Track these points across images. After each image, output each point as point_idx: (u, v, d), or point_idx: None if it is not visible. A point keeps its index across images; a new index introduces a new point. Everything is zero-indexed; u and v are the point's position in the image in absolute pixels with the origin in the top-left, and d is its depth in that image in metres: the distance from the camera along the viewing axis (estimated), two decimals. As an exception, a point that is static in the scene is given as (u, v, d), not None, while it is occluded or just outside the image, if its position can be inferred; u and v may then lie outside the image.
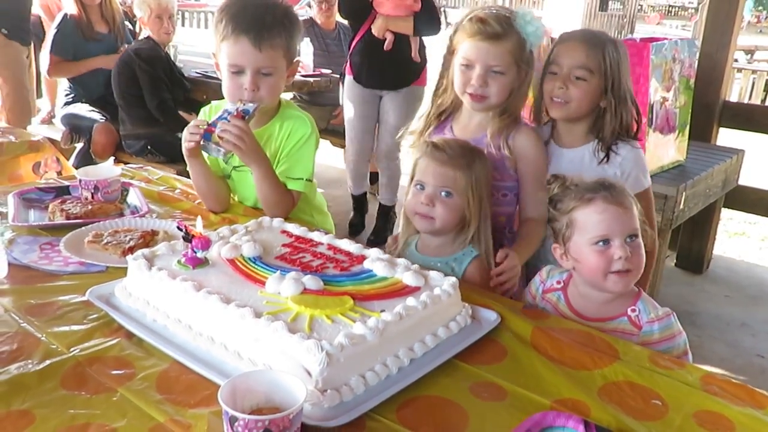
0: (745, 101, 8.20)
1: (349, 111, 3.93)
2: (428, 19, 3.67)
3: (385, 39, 3.61)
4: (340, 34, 4.77)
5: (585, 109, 1.83)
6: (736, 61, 9.27)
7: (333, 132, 4.73)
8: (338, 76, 4.51)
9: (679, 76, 3.08)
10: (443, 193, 1.62)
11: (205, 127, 1.73)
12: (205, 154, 1.81)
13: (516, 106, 1.83)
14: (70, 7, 3.95)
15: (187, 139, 1.75)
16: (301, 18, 5.43)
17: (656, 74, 2.94)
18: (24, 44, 4.21)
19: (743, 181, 3.75)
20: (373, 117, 3.91)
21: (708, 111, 3.67)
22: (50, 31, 4.01)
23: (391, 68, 3.72)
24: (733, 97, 8.16)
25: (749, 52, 11.77)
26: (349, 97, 3.89)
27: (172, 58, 4.18)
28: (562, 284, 1.53)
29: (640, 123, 1.91)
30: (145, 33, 3.85)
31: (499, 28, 1.72)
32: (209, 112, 1.92)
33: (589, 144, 1.86)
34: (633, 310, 1.43)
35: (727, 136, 4.07)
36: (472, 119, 1.85)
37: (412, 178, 1.70)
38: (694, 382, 1.16)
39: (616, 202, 1.42)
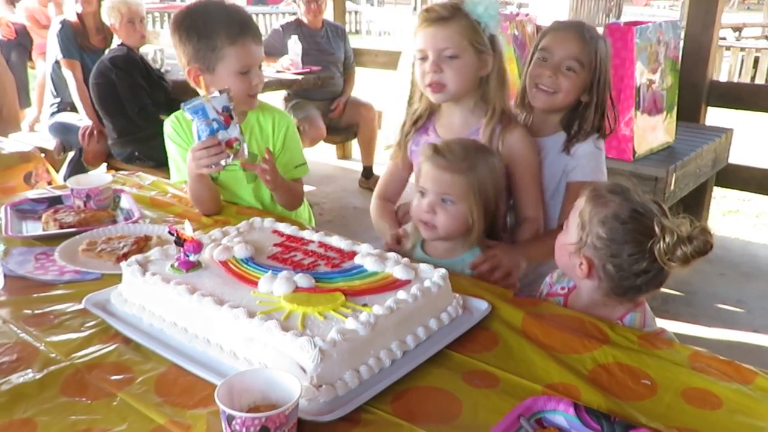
0: (735, 79, 8.19)
1: None
2: None
3: None
4: (328, 32, 4.79)
5: (570, 101, 1.81)
6: (723, 39, 9.27)
7: (330, 129, 4.68)
8: (328, 72, 4.53)
9: (664, 57, 3.10)
10: (444, 200, 1.56)
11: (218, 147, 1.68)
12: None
13: (496, 98, 1.75)
14: (70, 14, 3.96)
15: (204, 164, 1.70)
16: (291, 16, 5.40)
17: (641, 57, 2.95)
18: None
19: (734, 159, 3.77)
20: None
21: (695, 91, 3.70)
22: (51, 39, 3.97)
23: None
24: (723, 76, 8.14)
25: (737, 29, 11.76)
26: None
27: (159, 63, 4.17)
28: (566, 290, 1.51)
29: (615, 124, 1.92)
30: (117, 41, 3.81)
31: (444, 12, 1.68)
32: (176, 125, 2.00)
33: (557, 134, 1.85)
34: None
35: (715, 116, 4.09)
36: (452, 117, 1.81)
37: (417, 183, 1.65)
38: (682, 361, 1.18)
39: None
